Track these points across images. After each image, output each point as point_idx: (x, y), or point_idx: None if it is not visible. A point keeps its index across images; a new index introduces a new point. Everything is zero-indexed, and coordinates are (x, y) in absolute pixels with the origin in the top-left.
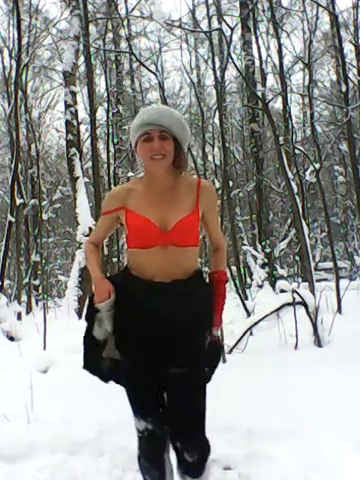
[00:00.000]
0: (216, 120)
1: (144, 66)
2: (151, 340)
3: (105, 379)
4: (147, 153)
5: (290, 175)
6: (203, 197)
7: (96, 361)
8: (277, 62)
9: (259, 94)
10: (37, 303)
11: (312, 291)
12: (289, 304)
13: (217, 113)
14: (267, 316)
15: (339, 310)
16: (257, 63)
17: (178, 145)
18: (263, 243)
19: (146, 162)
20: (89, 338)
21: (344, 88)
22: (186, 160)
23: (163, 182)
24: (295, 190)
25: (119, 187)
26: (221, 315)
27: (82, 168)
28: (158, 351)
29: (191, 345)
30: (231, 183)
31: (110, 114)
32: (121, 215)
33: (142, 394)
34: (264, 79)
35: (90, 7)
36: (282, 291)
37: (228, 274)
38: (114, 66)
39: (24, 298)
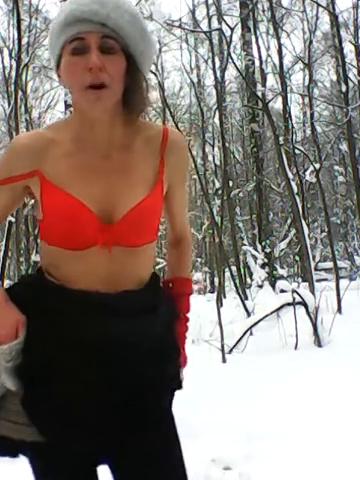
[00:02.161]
0: (216, 120)
1: None
2: (91, 391)
3: (14, 452)
4: (78, 77)
5: (290, 175)
6: (170, 159)
7: None
8: (277, 62)
9: (259, 94)
10: None
11: (312, 291)
12: (289, 304)
13: (217, 113)
14: (267, 316)
15: (339, 310)
16: (257, 63)
17: (133, 65)
18: (263, 243)
19: (76, 94)
20: None
21: (344, 88)
22: (146, 95)
23: (105, 134)
24: (295, 190)
25: (30, 135)
26: (185, 347)
27: None
28: (104, 408)
29: (160, 394)
30: (231, 183)
31: None
32: (33, 185)
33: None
34: (264, 79)
35: None
36: (282, 291)
37: (193, 285)
38: None
39: None
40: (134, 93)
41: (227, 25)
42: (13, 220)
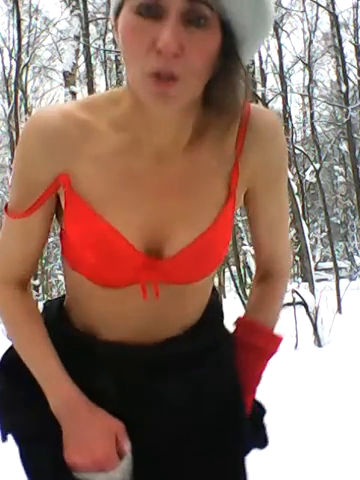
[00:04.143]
0: None
1: None
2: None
3: None
4: (139, 54)
5: (290, 175)
6: (250, 157)
7: None
8: (277, 62)
9: (259, 94)
10: (37, 303)
11: (312, 291)
12: (289, 304)
13: None
14: None
15: (339, 310)
16: (257, 63)
17: (231, 47)
18: None
19: (133, 75)
20: None
21: (344, 88)
22: (245, 93)
23: (168, 137)
24: (295, 190)
25: (57, 115)
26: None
27: None
28: None
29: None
30: None
31: None
32: (59, 194)
33: None
34: (264, 79)
35: (90, 7)
36: None
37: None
38: (114, 66)
39: None
40: (225, 88)
41: None
42: None
